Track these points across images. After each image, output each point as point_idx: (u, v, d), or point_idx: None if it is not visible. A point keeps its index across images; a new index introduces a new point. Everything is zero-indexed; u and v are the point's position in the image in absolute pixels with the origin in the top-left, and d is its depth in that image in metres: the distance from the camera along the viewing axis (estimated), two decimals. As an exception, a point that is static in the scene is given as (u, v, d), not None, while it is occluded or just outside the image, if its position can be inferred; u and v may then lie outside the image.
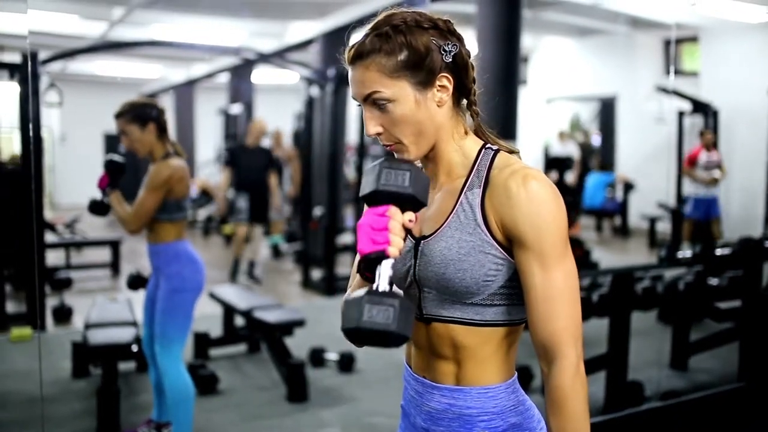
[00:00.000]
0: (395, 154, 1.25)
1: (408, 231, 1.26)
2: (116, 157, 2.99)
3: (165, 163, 2.93)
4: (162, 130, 2.98)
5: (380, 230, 1.10)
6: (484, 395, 1.22)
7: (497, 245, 1.17)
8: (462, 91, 1.24)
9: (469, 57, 1.24)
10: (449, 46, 1.19)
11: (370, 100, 1.20)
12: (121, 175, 2.99)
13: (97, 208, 3.02)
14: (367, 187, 1.13)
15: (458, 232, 1.19)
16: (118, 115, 2.95)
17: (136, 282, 3.33)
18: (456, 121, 1.25)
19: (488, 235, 1.17)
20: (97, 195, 3.03)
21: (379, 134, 1.22)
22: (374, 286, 1.09)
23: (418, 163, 1.29)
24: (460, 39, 1.22)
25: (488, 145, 1.26)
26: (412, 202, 1.12)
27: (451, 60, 1.19)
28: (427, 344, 1.27)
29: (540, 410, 1.30)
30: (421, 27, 1.18)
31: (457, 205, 1.21)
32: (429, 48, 1.18)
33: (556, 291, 1.14)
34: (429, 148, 1.24)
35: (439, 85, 1.20)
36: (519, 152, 1.29)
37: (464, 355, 1.22)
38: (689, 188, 7.22)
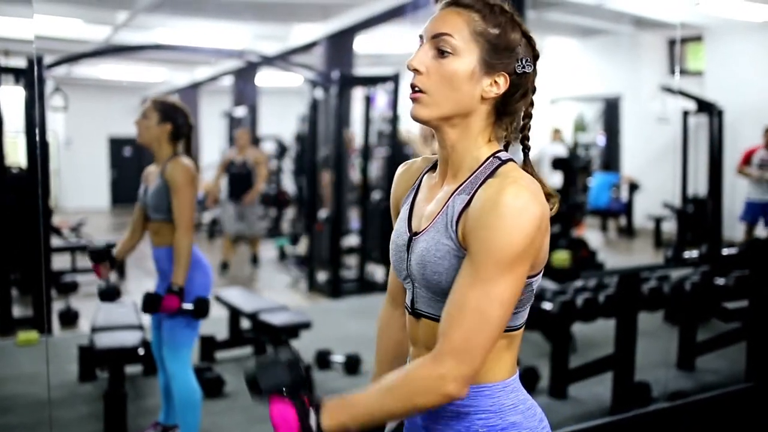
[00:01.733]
0: (412, 103, 1.22)
1: (408, 224, 1.28)
2: (95, 247, 2.96)
3: (178, 162, 2.92)
4: (176, 135, 2.98)
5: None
6: (480, 393, 1.22)
7: (464, 250, 1.16)
8: (506, 107, 1.23)
9: (534, 93, 1.25)
10: (528, 61, 1.21)
11: (437, 40, 1.18)
12: (108, 256, 2.96)
13: (108, 294, 2.96)
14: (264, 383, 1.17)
15: (438, 235, 1.20)
16: (152, 101, 2.97)
17: (109, 294, 3.04)
18: (486, 128, 1.23)
19: (456, 242, 1.17)
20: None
21: (417, 72, 1.19)
22: None
23: None
24: (536, 72, 1.23)
25: (498, 154, 1.23)
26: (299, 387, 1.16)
27: (521, 72, 1.20)
28: (421, 340, 1.28)
29: (543, 410, 1.30)
30: (521, 30, 1.21)
31: (443, 208, 1.21)
32: (514, 47, 1.19)
33: (465, 305, 1.11)
34: (441, 120, 1.21)
35: (495, 80, 1.19)
36: (557, 197, 1.25)
37: None
38: (745, 190, 6.92)
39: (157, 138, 2.96)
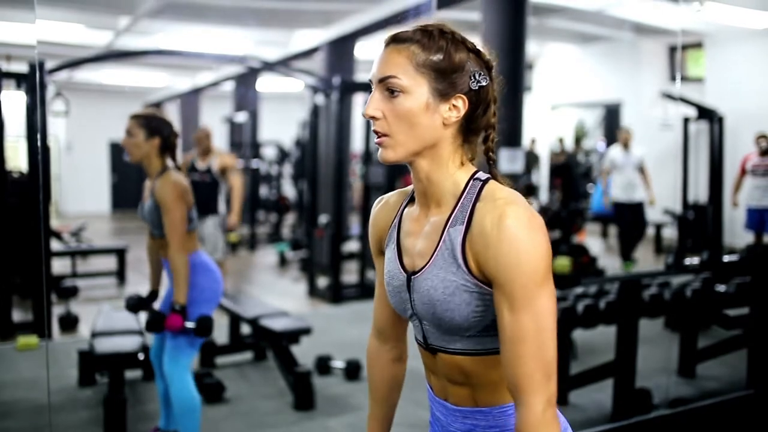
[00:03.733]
0: (379, 148, 1.21)
1: (400, 264, 1.26)
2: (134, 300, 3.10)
3: (165, 178, 2.90)
4: (164, 149, 2.96)
5: None
6: (503, 414, 1.22)
7: (479, 282, 1.15)
8: (471, 125, 1.21)
9: (495, 102, 1.23)
10: (480, 76, 1.18)
11: (384, 83, 1.17)
12: (152, 302, 3.11)
13: (209, 327, 2.97)
14: None
15: (442, 271, 1.17)
16: (134, 117, 2.95)
17: (137, 305, 3.15)
18: (455, 150, 1.21)
19: (468, 274, 1.15)
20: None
21: (375, 119, 1.18)
22: None
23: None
24: (492, 79, 1.21)
25: (477, 175, 1.21)
26: None
27: (476, 89, 1.18)
28: (441, 372, 1.28)
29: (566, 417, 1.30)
30: (465, 45, 1.18)
31: (440, 242, 1.18)
32: (462, 66, 1.17)
33: (523, 333, 1.09)
34: (411, 156, 1.19)
35: (453, 104, 1.17)
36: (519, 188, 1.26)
37: (475, 381, 1.23)
38: (743, 197, 6.91)
39: (147, 154, 2.94)
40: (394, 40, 1.18)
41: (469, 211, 1.16)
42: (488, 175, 1.22)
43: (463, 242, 1.15)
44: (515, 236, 1.09)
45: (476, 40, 1.22)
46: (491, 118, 1.23)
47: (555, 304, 1.13)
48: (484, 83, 1.19)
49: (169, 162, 3.00)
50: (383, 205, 1.37)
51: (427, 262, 1.20)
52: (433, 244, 1.20)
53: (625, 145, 7.70)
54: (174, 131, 3.01)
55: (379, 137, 1.19)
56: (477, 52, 1.20)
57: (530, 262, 1.09)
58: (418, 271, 1.21)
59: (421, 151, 1.19)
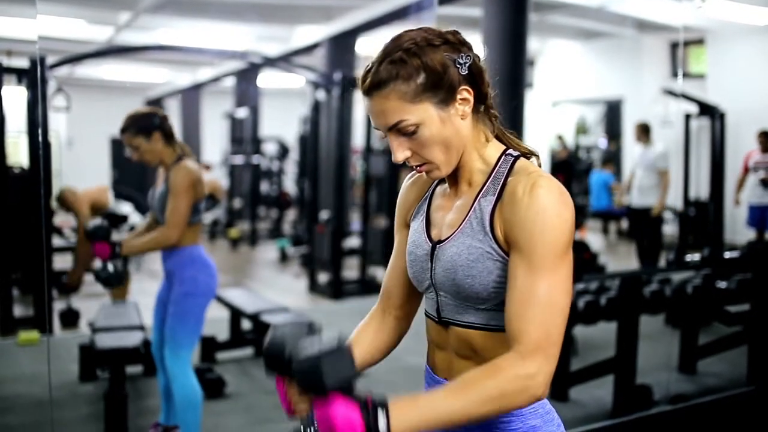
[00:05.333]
0: (426, 174, 1.23)
1: (427, 234, 1.27)
2: (96, 223, 2.90)
3: (181, 166, 2.92)
4: (168, 136, 2.97)
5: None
6: None
7: (503, 252, 1.16)
8: (480, 98, 1.22)
9: (480, 62, 1.22)
10: (463, 58, 1.17)
11: (395, 130, 1.18)
12: (108, 233, 2.90)
13: (112, 279, 2.85)
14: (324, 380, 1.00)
15: (469, 239, 1.19)
16: (123, 131, 2.93)
17: (108, 278, 2.89)
18: (477, 130, 1.24)
19: (494, 242, 1.16)
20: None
21: (408, 159, 1.21)
22: None
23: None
24: (471, 48, 1.21)
25: (509, 151, 1.24)
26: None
27: (467, 72, 1.18)
28: (448, 345, 1.28)
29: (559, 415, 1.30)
30: (432, 45, 1.16)
31: (470, 212, 1.21)
32: (445, 65, 1.16)
33: (536, 298, 1.09)
34: (458, 162, 1.23)
35: (461, 99, 1.18)
36: (539, 155, 1.28)
37: (484, 357, 1.22)
38: (745, 194, 6.91)
39: (158, 152, 2.96)
40: (374, 87, 1.15)
41: (501, 183, 1.19)
42: (519, 151, 1.25)
43: (493, 211, 1.17)
44: (544, 204, 1.11)
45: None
46: (487, 79, 1.23)
47: (570, 285, 1.13)
48: (469, 61, 1.18)
49: (181, 149, 3.01)
50: (416, 179, 1.39)
51: (455, 231, 1.21)
52: (463, 216, 1.22)
53: (643, 142, 7.02)
54: (162, 115, 3.00)
55: (420, 168, 1.22)
56: (444, 40, 1.17)
57: (555, 232, 1.11)
58: (444, 240, 1.23)
59: (461, 153, 1.22)
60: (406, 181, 1.41)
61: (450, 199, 1.28)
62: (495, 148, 1.25)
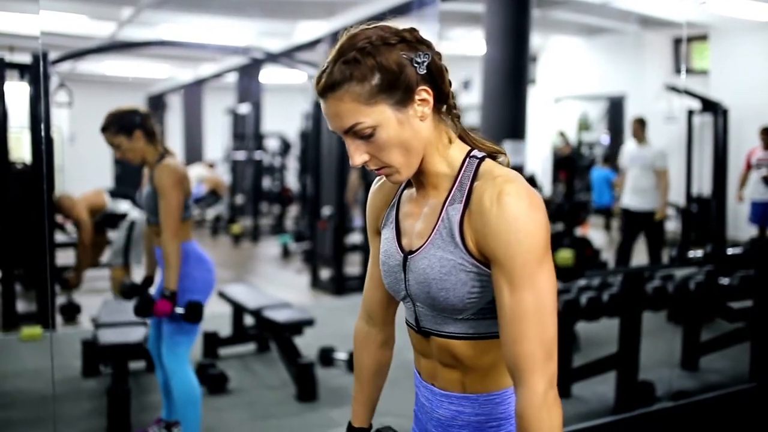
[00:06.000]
0: (386, 178, 1.20)
1: (398, 244, 1.25)
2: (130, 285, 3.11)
3: (164, 165, 2.90)
4: (149, 134, 2.95)
5: None
6: (491, 401, 1.22)
7: (477, 262, 1.13)
8: (441, 98, 1.18)
9: (441, 60, 1.18)
10: (421, 57, 1.13)
11: (351, 132, 1.14)
12: (147, 288, 3.11)
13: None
14: None
15: (440, 251, 1.16)
16: (103, 129, 2.92)
17: (131, 291, 3.15)
18: (439, 131, 1.19)
19: (466, 253, 1.13)
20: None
21: (366, 164, 1.17)
22: None
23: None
24: (429, 46, 1.16)
25: (473, 153, 1.20)
26: None
27: (425, 71, 1.13)
28: (430, 354, 1.27)
29: None
30: (388, 44, 1.11)
31: (438, 222, 1.17)
32: (401, 64, 1.11)
33: (524, 312, 1.08)
34: (418, 165, 1.19)
35: (419, 99, 1.14)
36: (505, 152, 1.24)
37: (466, 365, 1.22)
38: (747, 191, 6.83)
39: (140, 151, 2.94)
40: (328, 89, 1.12)
41: (467, 190, 1.15)
42: (484, 153, 1.21)
43: (461, 221, 1.14)
44: (515, 213, 1.08)
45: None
46: (448, 78, 1.19)
47: (555, 283, 1.12)
48: (427, 59, 1.13)
49: (162, 147, 2.99)
50: (381, 185, 1.36)
51: (425, 242, 1.19)
52: (431, 225, 1.19)
53: (639, 139, 6.46)
54: (144, 113, 2.97)
55: (379, 171, 1.18)
56: (401, 38, 1.13)
57: (530, 239, 1.08)
58: (415, 251, 1.20)
59: (422, 156, 1.18)
60: (373, 187, 1.38)
61: (418, 205, 1.25)
62: (459, 150, 1.21)
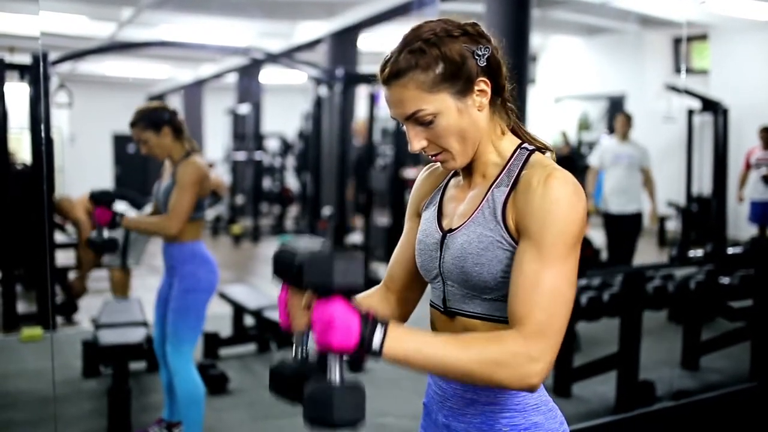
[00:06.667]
0: (441, 164, 1.24)
1: (438, 224, 1.28)
2: (104, 189, 2.94)
3: (190, 162, 2.94)
4: (177, 131, 3.00)
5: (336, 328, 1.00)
6: (507, 391, 1.21)
7: (514, 242, 1.16)
8: (497, 90, 1.23)
9: (499, 54, 1.23)
10: (482, 50, 1.18)
11: (412, 119, 1.19)
12: (112, 201, 2.91)
13: (106, 246, 2.89)
14: (320, 277, 0.99)
15: (480, 227, 1.19)
16: (133, 124, 2.96)
17: (101, 246, 2.92)
18: (493, 122, 1.25)
19: (505, 231, 1.16)
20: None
21: (424, 149, 1.22)
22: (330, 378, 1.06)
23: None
24: (490, 40, 1.21)
25: (524, 145, 1.25)
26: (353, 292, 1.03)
27: (485, 63, 1.18)
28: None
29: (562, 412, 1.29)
30: (451, 36, 1.17)
31: (483, 202, 1.21)
32: (463, 56, 1.16)
33: (542, 285, 1.09)
34: (474, 153, 1.23)
35: (478, 90, 1.19)
36: (553, 150, 1.28)
37: None
38: (747, 191, 6.85)
39: (167, 146, 2.99)
40: (392, 76, 1.17)
41: (515, 176, 1.19)
42: (534, 145, 1.26)
43: (506, 201, 1.18)
44: (557, 195, 1.12)
45: (454, 17, 1.21)
46: (505, 72, 1.24)
47: (576, 279, 1.13)
48: (487, 53, 1.19)
49: (190, 145, 3.02)
50: (431, 171, 1.41)
51: (466, 220, 1.22)
52: (475, 206, 1.22)
53: (623, 136, 6.04)
54: (172, 110, 3.02)
55: (435, 157, 1.23)
56: (463, 31, 1.18)
57: (565, 222, 1.11)
58: (455, 229, 1.23)
59: (477, 145, 1.23)
60: (423, 173, 1.43)
61: (463, 191, 1.28)
62: (510, 142, 1.26)
